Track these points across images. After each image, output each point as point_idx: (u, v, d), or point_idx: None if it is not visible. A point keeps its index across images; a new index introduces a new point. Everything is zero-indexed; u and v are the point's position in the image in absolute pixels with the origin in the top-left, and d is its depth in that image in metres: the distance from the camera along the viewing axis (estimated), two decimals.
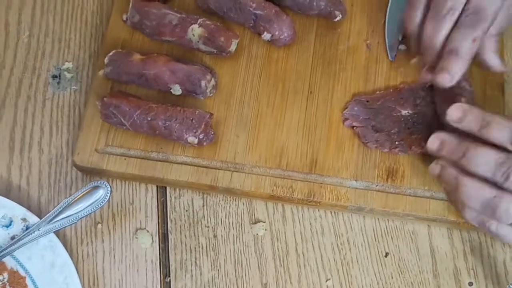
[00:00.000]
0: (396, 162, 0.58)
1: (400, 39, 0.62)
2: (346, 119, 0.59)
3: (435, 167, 0.54)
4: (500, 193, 0.50)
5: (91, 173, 0.60)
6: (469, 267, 0.58)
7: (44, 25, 0.66)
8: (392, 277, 0.58)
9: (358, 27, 0.63)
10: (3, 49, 0.65)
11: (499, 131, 0.49)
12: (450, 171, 0.53)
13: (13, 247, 0.54)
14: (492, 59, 0.57)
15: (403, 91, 0.60)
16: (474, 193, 0.51)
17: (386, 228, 0.60)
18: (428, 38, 0.55)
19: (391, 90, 0.60)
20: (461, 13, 0.53)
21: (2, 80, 0.63)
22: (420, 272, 0.58)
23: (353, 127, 0.59)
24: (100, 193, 0.55)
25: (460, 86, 0.57)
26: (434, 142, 0.54)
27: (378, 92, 0.61)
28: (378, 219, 0.60)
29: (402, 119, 0.59)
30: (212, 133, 0.58)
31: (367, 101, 0.60)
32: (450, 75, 0.53)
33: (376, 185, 0.58)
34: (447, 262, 0.59)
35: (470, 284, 0.58)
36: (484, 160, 0.50)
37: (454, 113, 0.52)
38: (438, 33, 0.54)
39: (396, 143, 0.58)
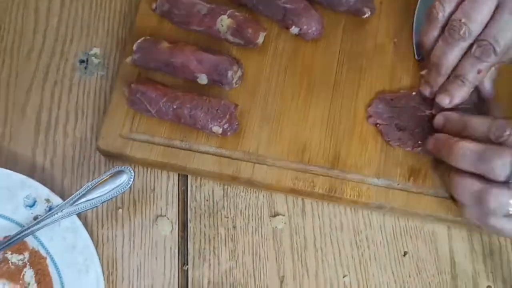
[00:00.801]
0: (419, 162, 0.58)
1: None
2: (369, 116, 0.59)
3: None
4: (488, 184, 0.50)
5: (114, 158, 0.60)
6: (488, 271, 0.58)
7: (73, 11, 0.66)
8: (409, 277, 0.58)
9: (386, 25, 0.63)
10: (32, 34, 0.65)
11: (476, 126, 0.53)
12: (450, 174, 0.54)
13: (35, 227, 0.55)
14: (486, 87, 0.58)
15: None
16: (463, 188, 0.52)
17: (406, 227, 0.59)
18: (436, 58, 0.57)
19: (416, 90, 0.60)
20: (474, 41, 0.54)
21: (31, 64, 0.64)
22: (438, 273, 0.58)
23: (376, 124, 0.59)
24: (124, 178, 0.56)
25: None
26: (439, 119, 0.58)
27: (402, 91, 0.60)
28: (397, 217, 0.59)
29: (426, 119, 0.59)
30: (236, 123, 0.58)
31: (392, 100, 0.60)
32: (450, 98, 0.57)
33: (398, 184, 0.58)
34: (466, 264, 0.58)
35: (489, 287, 0.57)
36: (463, 152, 0.51)
37: (437, 121, 0.58)
38: (447, 57, 0.56)
39: (419, 142, 0.58)
